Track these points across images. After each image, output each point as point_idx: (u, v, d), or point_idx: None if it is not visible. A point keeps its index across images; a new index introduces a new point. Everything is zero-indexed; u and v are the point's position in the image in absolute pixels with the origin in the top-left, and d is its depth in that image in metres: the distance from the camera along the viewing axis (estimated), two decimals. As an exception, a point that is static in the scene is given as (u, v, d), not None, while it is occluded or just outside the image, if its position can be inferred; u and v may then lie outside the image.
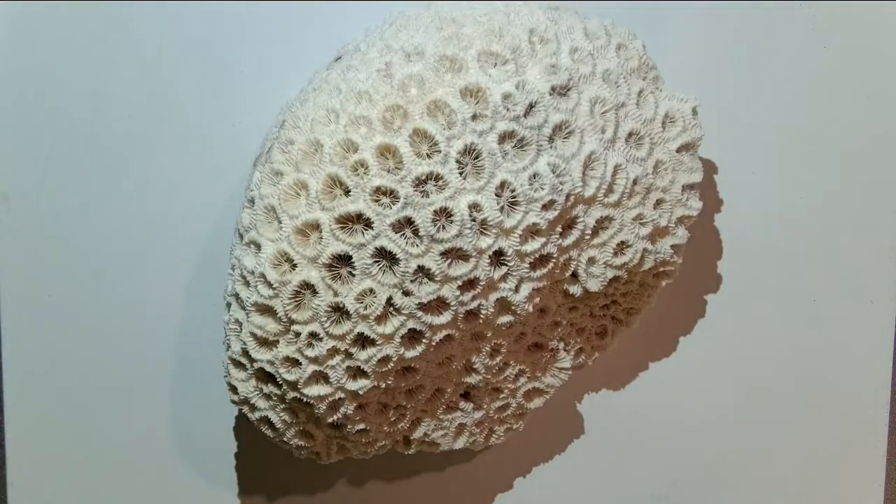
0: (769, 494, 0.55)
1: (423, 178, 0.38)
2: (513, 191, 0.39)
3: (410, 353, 0.40)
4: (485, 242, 0.39)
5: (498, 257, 0.39)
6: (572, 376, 0.47)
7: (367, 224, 0.38)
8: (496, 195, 0.38)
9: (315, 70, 0.46)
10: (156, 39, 0.50)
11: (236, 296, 0.41)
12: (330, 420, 0.42)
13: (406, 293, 0.39)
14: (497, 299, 0.40)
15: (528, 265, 0.40)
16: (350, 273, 0.39)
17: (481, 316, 0.40)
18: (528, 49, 0.40)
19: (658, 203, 0.43)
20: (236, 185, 0.51)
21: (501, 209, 0.39)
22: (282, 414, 0.43)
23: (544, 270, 0.41)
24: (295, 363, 0.40)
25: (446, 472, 0.54)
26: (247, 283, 0.40)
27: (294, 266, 0.39)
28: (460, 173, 0.38)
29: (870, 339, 0.54)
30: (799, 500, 0.55)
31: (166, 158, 0.51)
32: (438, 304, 0.39)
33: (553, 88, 0.40)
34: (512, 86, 0.39)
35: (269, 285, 0.39)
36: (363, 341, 0.40)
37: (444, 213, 0.38)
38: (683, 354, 0.54)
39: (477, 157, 0.38)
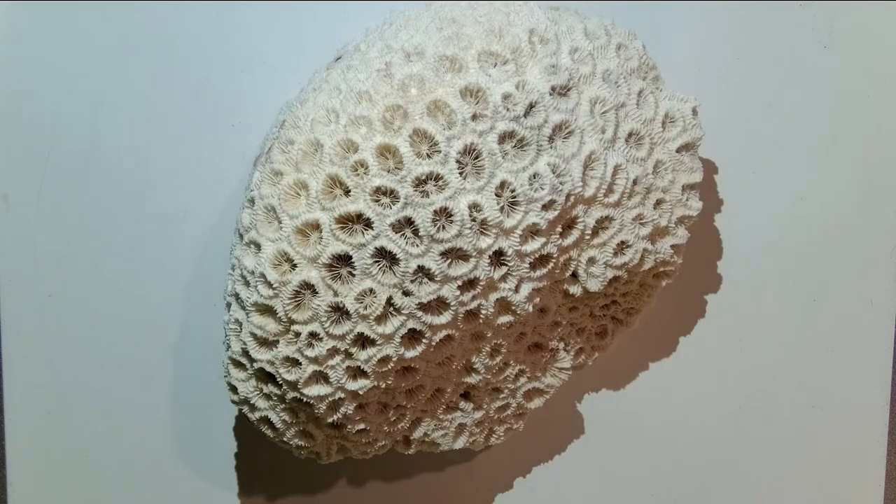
0: (769, 494, 0.55)
1: (423, 178, 0.38)
2: (513, 191, 0.39)
3: (410, 353, 0.40)
4: (485, 242, 0.39)
5: (498, 257, 0.39)
6: (572, 376, 0.47)
7: (367, 224, 0.38)
8: (496, 195, 0.38)
9: (315, 70, 0.46)
10: (155, 39, 0.50)
11: (236, 296, 0.41)
12: (330, 420, 0.42)
13: (406, 293, 0.39)
14: (497, 299, 0.40)
15: (528, 265, 0.40)
16: (350, 273, 0.39)
17: (481, 316, 0.40)
18: (528, 49, 0.40)
19: (658, 203, 0.43)
20: (236, 185, 0.51)
21: (501, 209, 0.39)
22: (282, 414, 0.43)
23: (544, 270, 0.41)
24: (295, 363, 0.40)
25: (446, 472, 0.54)
26: (247, 283, 0.40)
27: (294, 266, 0.39)
28: (460, 173, 0.38)
29: (870, 339, 0.54)
30: (799, 500, 0.55)
31: (166, 158, 0.51)
32: (438, 304, 0.39)
33: (553, 88, 0.40)
34: (512, 86, 0.39)
35: (269, 285, 0.39)
36: (363, 341, 0.40)
37: (444, 213, 0.38)
38: (683, 354, 0.54)
39: (477, 157, 0.38)
